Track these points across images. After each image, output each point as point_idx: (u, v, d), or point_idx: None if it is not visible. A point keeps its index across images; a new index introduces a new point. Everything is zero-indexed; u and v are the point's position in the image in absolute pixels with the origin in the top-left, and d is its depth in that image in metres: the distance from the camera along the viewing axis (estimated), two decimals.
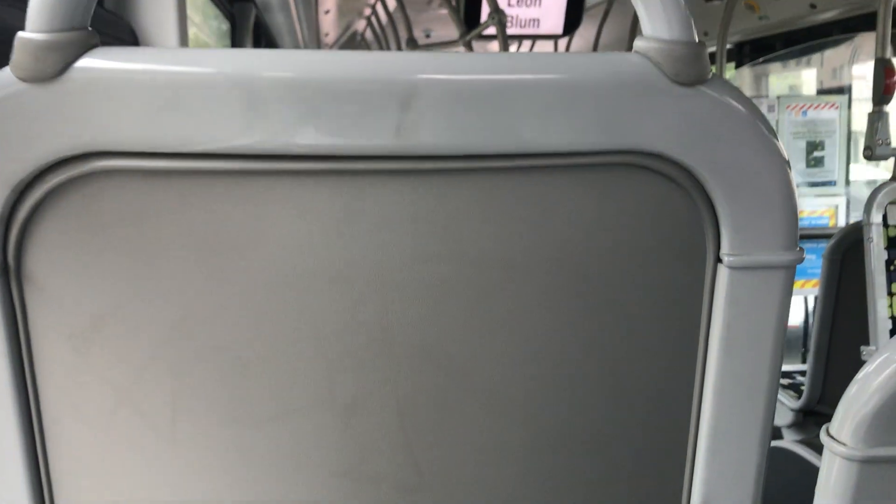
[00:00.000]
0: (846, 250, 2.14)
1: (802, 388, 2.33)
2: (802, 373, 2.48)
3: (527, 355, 0.53)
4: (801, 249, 0.52)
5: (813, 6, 2.86)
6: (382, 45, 4.80)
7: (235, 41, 2.57)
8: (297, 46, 3.58)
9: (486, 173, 0.49)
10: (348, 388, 0.52)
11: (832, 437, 0.57)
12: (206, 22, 2.47)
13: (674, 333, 0.54)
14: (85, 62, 0.45)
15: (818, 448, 1.90)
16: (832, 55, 3.24)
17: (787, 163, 0.51)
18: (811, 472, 1.90)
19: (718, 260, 0.53)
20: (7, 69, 0.45)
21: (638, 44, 0.49)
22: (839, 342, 2.21)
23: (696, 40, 0.48)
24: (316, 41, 3.85)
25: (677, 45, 0.48)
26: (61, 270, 0.48)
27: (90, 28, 0.46)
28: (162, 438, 0.52)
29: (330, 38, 4.61)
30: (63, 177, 0.46)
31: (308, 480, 0.54)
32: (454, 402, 0.53)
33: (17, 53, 0.45)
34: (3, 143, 0.45)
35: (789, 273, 0.53)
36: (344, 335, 0.51)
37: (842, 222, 3.09)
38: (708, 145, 0.49)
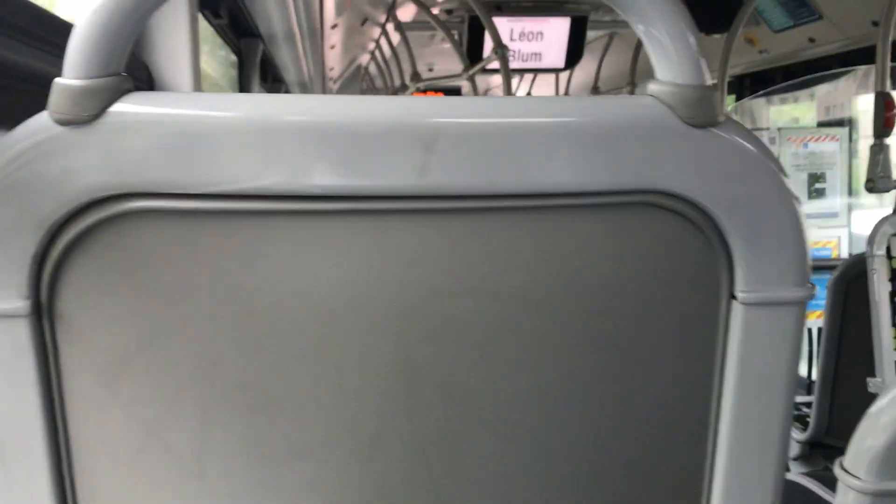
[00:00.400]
0: (850, 281, 2.15)
1: (808, 419, 2.32)
2: (808, 404, 2.48)
3: (545, 390, 0.54)
4: (813, 286, 0.53)
5: (812, 40, 2.90)
6: (386, 78, 4.85)
7: (242, 75, 2.60)
8: (301, 80, 3.62)
9: (506, 212, 0.50)
10: (371, 424, 0.53)
11: (846, 470, 0.57)
12: (212, 52, 2.50)
13: (689, 370, 0.55)
14: (120, 106, 0.46)
15: (825, 480, 1.89)
16: (832, 88, 3.28)
17: (798, 200, 0.52)
18: None
19: (732, 297, 0.53)
20: (45, 113, 0.47)
21: (651, 87, 0.51)
22: (845, 374, 2.20)
23: (708, 84, 0.50)
24: (321, 75, 3.90)
25: (689, 89, 0.49)
26: (92, 308, 0.49)
27: (124, 74, 0.48)
28: (189, 474, 0.52)
29: (335, 73, 4.66)
30: (95, 217, 0.47)
31: None
32: (474, 437, 0.54)
33: (54, 98, 0.46)
34: (40, 185, 0.46)
35: (801, 309, 0.54)
36: (367, 372, 0.52)
37: (844, 253, 3.10)
38: (721, 185, 0.51)
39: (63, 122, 0.46)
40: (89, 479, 0.52)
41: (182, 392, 0.51)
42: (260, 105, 0.48)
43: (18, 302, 0.48)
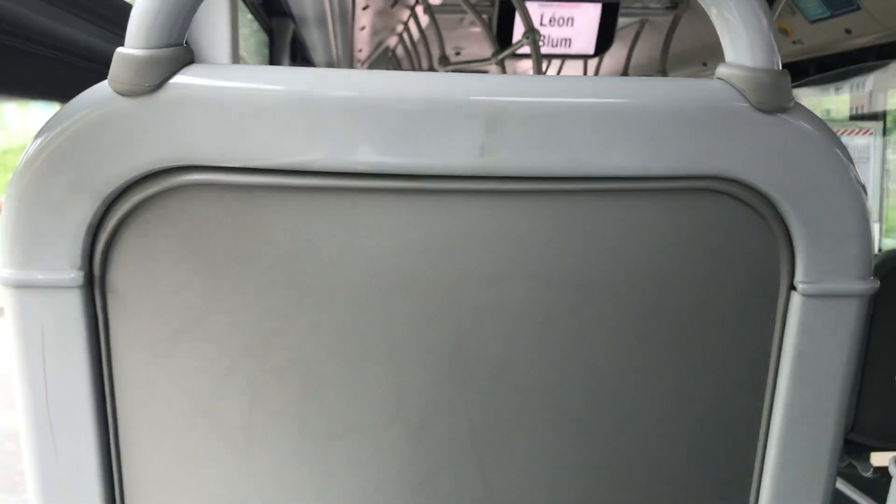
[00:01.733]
0: (882, 277, 2.12)
1: None
2: None
3: (597, 377, 0.53)
4: (876, 279, 0.52)
5: (848, 31, 2.85)
6: (413, 61, 4.83)
7: (273, 54, 2.60)
8: (330, 61, 3.61)
9: (565, 195, 0.50)
10: (421, 406, 0.53)
11: None
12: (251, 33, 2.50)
13: (745, 360, 0.54)
14: (180, 78, 0.46)
15: (849, 478, 1.88)
16: (867, 81, 3.23)
17: (865, 191, 0.51)
18: None
19: (792, 287, 0.53)
20: (105, 83, 0.46)
21: (721, 70, 0.50)
22: (872, 370, 2.18)
23: (780, 68, 0.49)
24: (349, 57, 3.89)
25: (761, 73, 0.48)
26: (144, 281, 0.49)
27: (185, 44, 0.47)
28: (236, 450, 0.53)
29: (363, 54, 4.65)
30: (151, 190, 0.47)
31: (378, 496, 0.54)
32: (525, 423, 0.54)
33: (115, 68, 0.46)
34: (98, 156, 0.46)
35: (864, 302, 0.52)
36: (418, 353, 0.52)
37: (875, 249, 3.07)
38: (787, 173, 0.50)
39: (123, 93, 0.46)
40: (136, 452, 0.52)
41: (231, 368, 0.51)
42: (316, 79, 0.47)
43: (71, 273, 0.48)
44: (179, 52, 0.46)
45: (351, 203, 0.49)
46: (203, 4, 1.22)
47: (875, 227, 3.09)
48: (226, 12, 1.14)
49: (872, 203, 3.10)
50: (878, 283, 0.52)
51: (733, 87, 0.49)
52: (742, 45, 0.49)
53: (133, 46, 0.46)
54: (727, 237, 0.51)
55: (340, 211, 0.49)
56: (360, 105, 0.47)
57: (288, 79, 0.47)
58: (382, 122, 0.47)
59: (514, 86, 0.48)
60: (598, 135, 0.48)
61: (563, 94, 0.48)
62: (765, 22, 0.48)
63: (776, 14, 2.79)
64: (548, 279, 0.51)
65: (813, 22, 2.97)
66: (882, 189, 3.10)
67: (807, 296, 0.52)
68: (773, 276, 0.53)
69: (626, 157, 0.49)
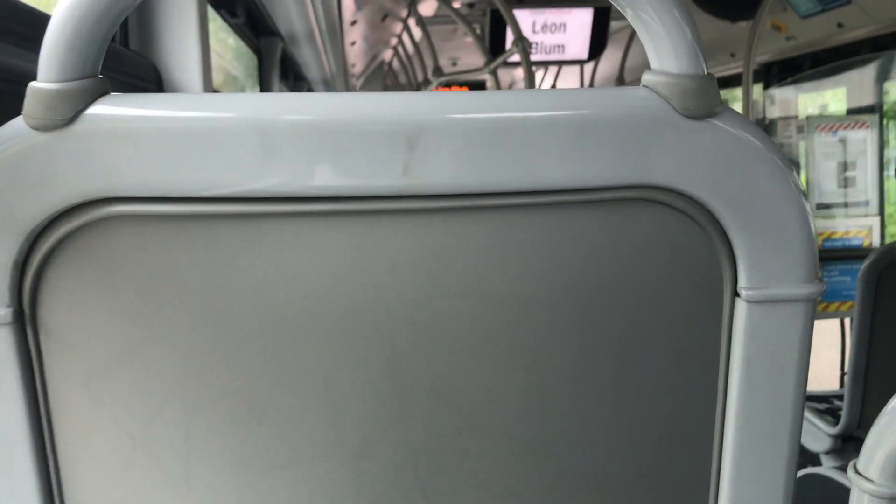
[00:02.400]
0: (882, 271, 2.10)
1: (840, 412, 2.28)
2: (840, 397, 2.43)
3: (540, 393, 0.52)
4: (822, 282, 0.51)
5: (840, 25, 2.84)
6: (409, 74, 4.84)
7: (262, 74, 2.61)
8: (324, 77, 3.62)
9: (496, 210, 0.49)
10: (359, 431, 0.52)
11: (860, 473, 0.55)
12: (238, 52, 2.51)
13: (693, 369, 0.53)
14: (96, 109, 0.46)
15: None
16: (862, 74, 3.21)
17: (804, 194, 0.50)
18: None
19: (736, 294, 0.52)
20: (20, 119, 0.46)
21: (646, 78, 0.49)
22: (877, 365, 2.16)
23: (705, 73, 0.48)
24: (343, 72, 3.90)
25: (686, 79, 0.47)
26: (74, 315, 0.49)
27: (101, 75, 0.47)
28: (175, 482, 0.52)
29: (357, 69, 4.66)
30: (75, 223, 0.47)
31: None
32: (467, 444, 0.53)
33: (28, 103, 0.45)
34: (17, 191, 0.46)
35: (809, 306, 0.51)
36: (354, 377, 0.51)
37: (876, 242, 3.04)
38: (720, 178, 0.49)
39: (38, 128, 0.45)
40: (76, 488, 0.52)
41: (167, 400, 0.50)
42: (235, 104, 0.47)
43: (0, 310, 0.47)
44: (93, 83, 0.46)
45: (278, 228, 0.48)
46: (172, 31, 1.21)
47: (875, 222, 3.06)
48: (195, 38, 1.14)
49: (871, 197, 3.07)
50: (823, 287, 0.51)
51: (658, 93, 0.48)
52: (665, 52, 0.48)
53: (45, 80, 0.45)
54: (666, 246, 0.50)
55: (268, 236, 0.48)
56: (280, 128, 0.46)
57: (204, 105, 0.47)
58: (304, 144, 0.46)
59: (435, 103, 0.47)
60: (523, 148, 0.47)
61: (484, 110, 0.47)
62: (686, 27, 0.47)
63: (767, 10, 2.78)
64: (483, 295, 0.50)
65: (805, 17, 2.96)
66: (881, 183, 3.07)
67: (751, 302, 0.51)
68: (716, 284, 0.52)
69: (553, 170, 0.48)
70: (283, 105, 0.47)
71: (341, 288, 0.49)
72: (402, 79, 5.65)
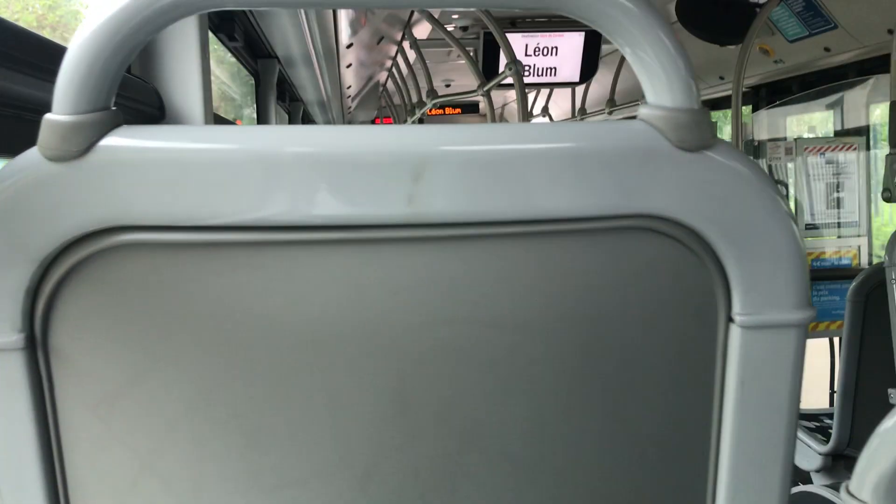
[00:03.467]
0: (870, 291, 2.13)
1: (830, 431, 2.29)
2: (830, 415, 2.45)
3: (541, 417, 0.53)
4: (813, 307, 0.53)
5: (827, 49, 2.88)
6: (403, 95, 4.87)
7: (260, 96, 2.63)
8: (319, 99, 3.65)
9: (498, 239, 0.50)
10: (365, 454, 0.53)
11: (852, 495, 0.56)
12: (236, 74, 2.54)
13: (688, 393, 0.54)
14: (109, 140, 0.47)
15: None
16: (849, 97, 3.26)
17: (795, 221, 0.52)
18: None
19: (730, 320, 0.53)
20: (34, 149, 0.47)
21: (642, 111, 0.51)
22: (866, 384, 2.18)
23: (699, 107, 0.50)
24: (339, 94, 3.93)
25: (680, 113, 0.49)
26: (85, 341, 0.50)
27: (114, 107, 0.48)
28: None
29: (352, 90, 4.69)
30: (87, 251, 0.48)
31: None
32: (471, 467, 0.54)
33: (43, 134, 0.46)
34: (31, 220, 0.47)
35: (801, 331, 0.53)
36: (360, 401, 0.52)
37: (864, 262, 3.07)
38: (714, 208, 0.50)
39: (52, 158, 0.46)
40: None
41: (176, 424, 0.51)
42: (246, 137, 0.48)
43: (12, 336, 0.48)
44: (107, 115, 0.47)
45: (285, 256, 0.50)
46: (174, 58, 1.23)
47: (864, 242, 3.10)
48: (197, 65, 1.16)
49: (860, 218, 3.11)
50: (814, 312, 0.52)
51: (654, 126, 0.50)
52: (660, 86, 0.50)
53: (60, 112, 0.46)
54: (663, 273, 0.52)
55: (275, 264, 0.50)
56: (288, 160, 0.48)
57: (216, 138, 0.48)
58: (311, 175, 0.48)
59: (440, 135, 0.49)
60: (524, 179, 0.49)
61: (487, 142, 0.49)
62: (681, 62, 0.49)
63: (756, 35, 2.82)
64: (486, 321, 0.52)
65: (792, 41, 3.00)
66: (869, 204, 3.11)
67: (745, 327, 0.52)
68: (710, 310, 0.53)
69: (553, 199, 0.49)
70: (292, 137, 0.49)
71: (347, 314, 0.50)
72: (397, 100, 5.68)
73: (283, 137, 0.49)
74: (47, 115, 0.47)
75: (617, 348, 0.53)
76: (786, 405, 0.54)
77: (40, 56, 0.77)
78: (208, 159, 0.48)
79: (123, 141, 0.47)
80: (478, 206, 0.49)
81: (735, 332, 0.53)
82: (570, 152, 0.49)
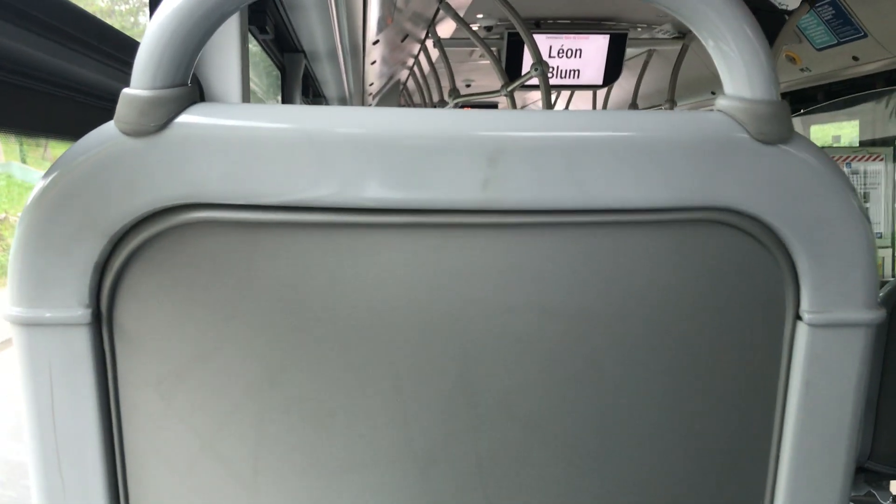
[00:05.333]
0: (895, 303, 2.10)
1: None
2: None
3: (605, 409, 0.53)
4: (883, 308, 0.52)
5: (855, 58, 2.86)
6: (424, 94, 4.87)
7: (285, 89, 2.63)
8: (342, 95, 3.65)
9: (569, 228, 0.50)
10: (427, 440, 0.53)
11: None
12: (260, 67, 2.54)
13: (751, 391, 0.54)
14: (186, 117, 0.47)
15: None
16: (877, 107, 3.23)
17: (868, 220, 0.51)
18: None
19: (798, 317, 0.52)
20: (111, 124, 0.47)
21: (720, 102, 0.50)
22: (889, 397, 2.16)
23: (779, 99, 0.49)
24: (361, 91, 3.93)
25: (760, 105, 0.49)
26: (150, 318, 0.50)
27: (190, 84, 0.49)
28: (244, 487, 0.53)
29: (374, 88, 4.70)
30: (157, 228, 0.48)
31: None
32: (532, 455, 0.54)
33: (121, 108, 0.47)
34: (104, 195, 0.47)
35: (870, 331, 0.52)
36: (424, 386, 0.52)
37: (888, 274, 3.05)
38: (789, 203, 0.50)
39: (129, 133, 0.46)
40: (143, 489, 0.53)
41: (238, 404, 0.51)
42: (321, 116, 0.48)
43: (79, 310, 0.48)
44: (185, 91, 0.47)
45: (355, 238, 0.50)
46: (214, 44, 1.24)
47: (887, 254, 3.07)
48: (236, 50, 1.17)
49: (885, 229, 3.08)
50: (884, 313, 0.52)
51: (733, 118, 0.49)
52: (740, 77, 0.49)
53: (138, 87, 0.47)
54: (731, 267, 0.52)
55: (345, 246, 0.50)
56: (365, 141, 0.48)
57: (293, 116, 0.48)
58: (387, 157, 0.47)
59: (516, 121, 0.49)
60: (600, 167, 0.49)
61: (565, 129, 0.49)
62: (762, 54, 0.49)
63: (783, 42, 2.81)
64: (553, 310, 0.51)
65: (820, 49, 2.98)
66: (894, 215, 3.08)
67: (812, 325, 0.52)
68: (778, 306, 0.52)
69: (629, 189, 0.49)
70: (372, 119, 0.48)
71: (415, 298, 0.50)
72: (417, 98, 5.68)
73: (361, 119, 0.48)
74: (125, 90, 0.47)
75: (682, 341, 0.52)
76: (850, 407, 0.53)
77: (100, 40, 0.76)
78: (285, 138, 0.47)
79: (201, 118, 0.47)
80: (550, 193, 0.49)
81: (802, 330, 0.52)
82: (647, 141, 0.49)
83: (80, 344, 0.49)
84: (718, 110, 0.50)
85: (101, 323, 0.50)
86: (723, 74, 0.50)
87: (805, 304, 0.52)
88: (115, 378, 0.51)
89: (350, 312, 0.50)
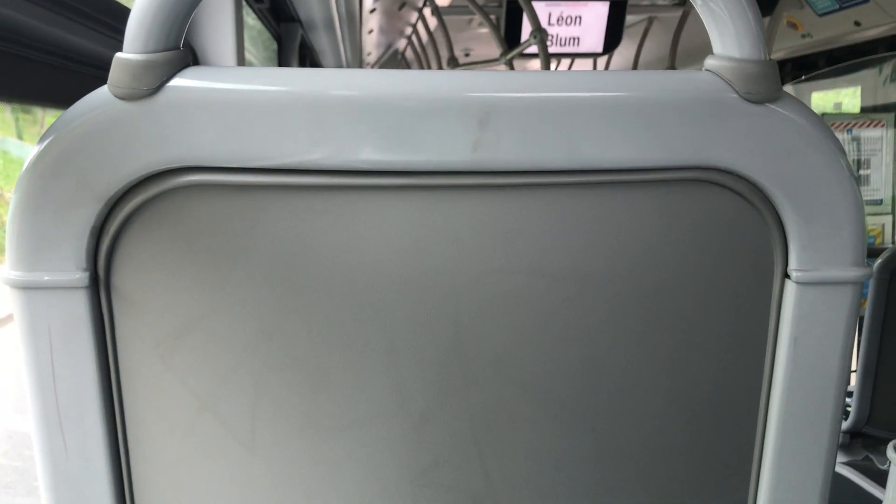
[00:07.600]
0: (894, 270, 2.11)
1: (849, 409, 2.29)
2: (849, 393, 2.45)
3: (596, 368, 0.54)
4: (869, 265, 0.53)
5: (857, 23, 2.84)
6: (423, 63, 4.84)
7: (282, 59, 2.61)
8: (339, 65, 3.62)
9: (559, 188, 0.50)
10: (421, 399, 0.54)
11: None
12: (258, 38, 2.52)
13: (741, 348, 0.55)
14: (178, 81, 0.47)
15: (866, 471, 1.87)
16: (877, 73, 3.21)
17: (856, 179, 0.52)
18: (859, 496, 1.86)
19: (786, 276, 0.53)
20: (104, 88, 0.47)
21: (709, 62, 0.50)
22: (887, 362, 2.17)
23: (768, 58, 0.49)
24: (359, 61, 3.90)
25: (749, 64, 0.49)
26: (148, 281, 0.50)
27: (182, 48, 0.49)
28: (242, 446, 0.54)
29: (372, 58, 4.66)
30: (153, 191, 0.48)
31: (380, 488, 0.55)
32: (525, 415, 0.54)
33: (114, 72, 0.47)
34: (99, 159, 0.47)
35: (856, 289, 0.53)
36: (418, 346, 0.53)
37: (888, 241, 3.05)
38: (778, 162, 0.50)
39: (122, 97, 0.47)
40: (144, 449, 0.54)
41: (235, 364, 0.52)
42: (314, 79, 0.48)
43: (76, 274, 0.49)
44: (177, 55, 0.47)
45: (349, 200, 0.50)
46: (209, 11, 1.23)
47: (888, 220, 3.07)
48: (230, 16, 1.16)
49: (885, 196, 3.08)
50: (871, 270, 0.52)
51: (721, 78, 0.50)
52: (729, 36, 0.49)
53: (131, 51, 0.47)
54: (720, 226, 0.52)
55: (339, 208, 0.50)
56: (358, 103, 0.48)
57: (285, 79, 0.48)
58: (380, 119, 0.48)
59: (505, 82, 0.49)
60: (589, 128, 0.49)
61: (554, 89, 0.49)
62: (751, 13, 0.49)
63: (784, 8, 2.78)
64: (545, 272, 0.52)
65: (821, 15, 2.96)
66: (895, 182, 3.08)
67: (800, 283, 0.53)
68: (767, 265, 0.53)
69: (618, 149, 0.49)
70: (365, 81, 0.48)
71: (408, 260, 0.51)
72: (415, 68, 5.65)
73: (357, 80, 0.48)
74: (118, 54, 0.47)
75: (673, 300, 0.53)
76: (837, 363, 0.54)
77: (93, 6, 0.76)
78: (278, 100, 0.47)
79: (193, 81, 0.47)
80: (542, 154, 0.49)
81: (790, 288, 0.53)
82: (636, 101, 0.49)
83: (79, 307, 0.50)
84: (707, 70, 0.51)
85: (99, 286, 0.50)
86: (711, 34, 0.50)
87: (793, 263, 0.52)
88: (113, 340, 0.51)
89: (344, 273, 0.51)
